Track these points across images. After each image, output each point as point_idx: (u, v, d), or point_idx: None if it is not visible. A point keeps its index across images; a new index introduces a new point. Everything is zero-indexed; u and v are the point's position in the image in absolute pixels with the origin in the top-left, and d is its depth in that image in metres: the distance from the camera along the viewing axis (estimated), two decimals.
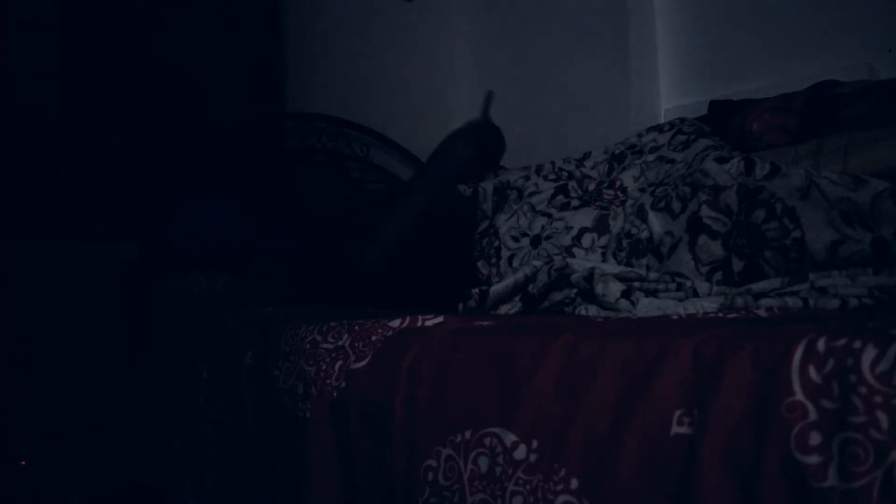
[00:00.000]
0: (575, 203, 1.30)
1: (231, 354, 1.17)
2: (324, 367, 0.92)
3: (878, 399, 0.45)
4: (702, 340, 0.58)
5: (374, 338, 0.89)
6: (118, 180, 1.96)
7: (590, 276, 0.99)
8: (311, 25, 2.46)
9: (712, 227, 1.01)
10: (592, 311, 0.97)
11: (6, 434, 1.57)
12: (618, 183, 1.32)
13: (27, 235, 1.77)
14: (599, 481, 0.58)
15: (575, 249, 1.20)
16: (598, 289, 0.96)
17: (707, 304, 0.90)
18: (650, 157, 1.37)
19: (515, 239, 1.29)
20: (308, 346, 0.97)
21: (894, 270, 0.90)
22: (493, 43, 2.71)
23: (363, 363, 0.87)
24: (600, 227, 1.22)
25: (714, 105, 1.90)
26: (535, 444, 0.64)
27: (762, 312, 0.85)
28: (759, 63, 2.03)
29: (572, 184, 1.36)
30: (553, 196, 1.33)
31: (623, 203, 1.24)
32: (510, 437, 0.66)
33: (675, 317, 0.86)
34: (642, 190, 1.27)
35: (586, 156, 1.50)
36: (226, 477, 1.17)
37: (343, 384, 0.88)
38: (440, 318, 0.90)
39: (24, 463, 1.61)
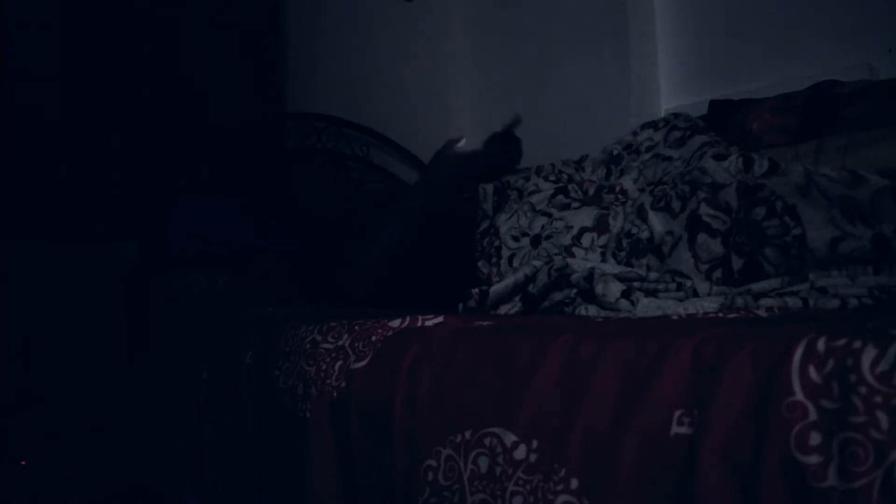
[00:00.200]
0: (575, 204, 1.30)
1: (231, 354, 1.17)
2: (324, 367, 0.92)
3: (878, 399, 0.45)
4: (702, 340, 0.58)
5: (374, 338, 0.89)
6: (118, 180, 1.96)
7: (590, 276, 0.99)
8: (311, 25, 2.46)
9: (712, 225, 1.01)
10: (592, 311, 0.97)
11: (6, 434, 1.57)
12: (618, 187, 1.32)
13: (27, 235, 1.77)
14: (599, 481, 0.58)
15: (574, 249, 1.20)
16: (598, 289, 0.96)
17: (707, 304, 0.90)
18: (647, 156, 1.37)
19: (516, 238, 1.29)
20: (308, 346, 0.97)
21: (894, 270, 0.90)
22: (493, 43, 2.71)
23: (363, 363, 0.87)
24: (600, 226, 1.21)
25: (714, 105, 1.90)
26: (535, 444, 0.64)
27: (762, 312, 0.85)
28: (759, 63, 2.03)
29: (572, 185, 1.36)
30: (553, 196, 1.33)
31: (623, 204, 1.24)
32: (510, 437, 0.66)
33: (675, 317, 0.86)
34: (642, 190, 1.27)
35: (583, 158, 1.50)
36: (226, 477, 1.17)
37: (343, 384, 0.88)
38: (440, 318, 0.90)
39: (24, 463, 1.60)
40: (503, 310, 1.07)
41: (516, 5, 2.62)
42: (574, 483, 0.60)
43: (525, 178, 1.44)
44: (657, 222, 1.09)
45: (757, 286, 0.92)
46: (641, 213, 1.14)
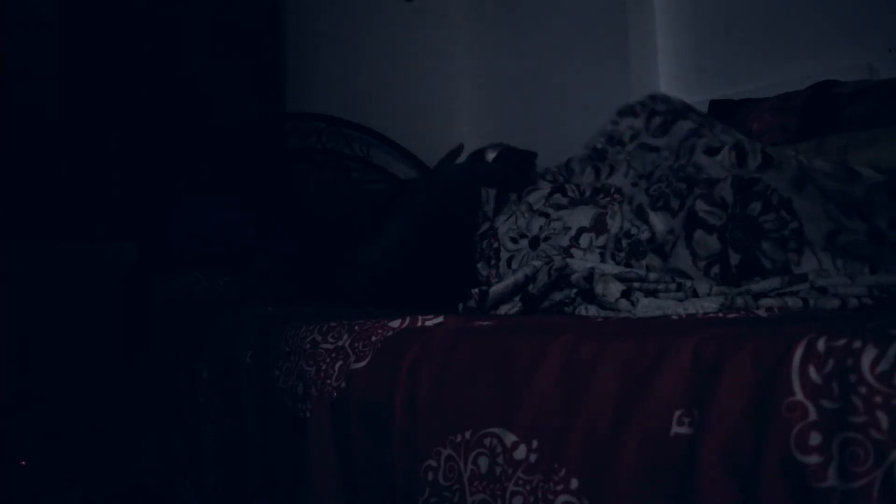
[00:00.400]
0: (572, 203, 1.29)
1: (231, 354, 1.17)
2: (324, 367, 0.92)
3: (878, 399, 0.45)
4: (702, 340, 0.58)
5: (374, 338, 0.89)
6: (118, 180, 1.96)
7: (590, 277, 0.99)
8: (311, 25, 2.46)
9: (708, 221, 1.01)
10: (592, 311, 0.97)
11: (6, 434, 1.57)
12: (612, 188, 1.31)
13: (27, 235, 1.76)
14: (599, 481, 0.58)
15: (573, 250, 1.20)
16: (598, 289, 0.96)
17: (707, 304, 0.90)
18: (631, 146, 1.36)
19: (514, 240, 1.28)
20: (308, 346, 0.97)
21: (891, 268, 0.90)
22: (493, 43, 2.71)
23: (363, 363, 0.87)
24: (598, 226, 1.21)
25: (714, 105, 1.90)
26: (535, 444, 0.64)
27: (762, 312, 0.85)
28: (759, 63, 2.03)
29: (570, 185, 1.35)
30: (550, 195, 1.32)
31: (620, 203, 1.24)
32: (510, 438, 0.66)
33: (675, 317, 0.86)
34: (635, 184, 1.26)
35: (570, 160, 1.48)
36: (226, 477, 1.17)
37: (343, 384, 0.88)
38: (440, 319, 0.90)
39: (24, 463, 1.60)
40: (503, 310, 1.07)
41: (516, 5, 2.62)
42: (574, 483, 0.60)
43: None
44: (658, 222, 1.09)
45: (757, 286, 0.92)
46: (641, 214, 1.14)
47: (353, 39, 2.55)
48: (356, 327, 0.94)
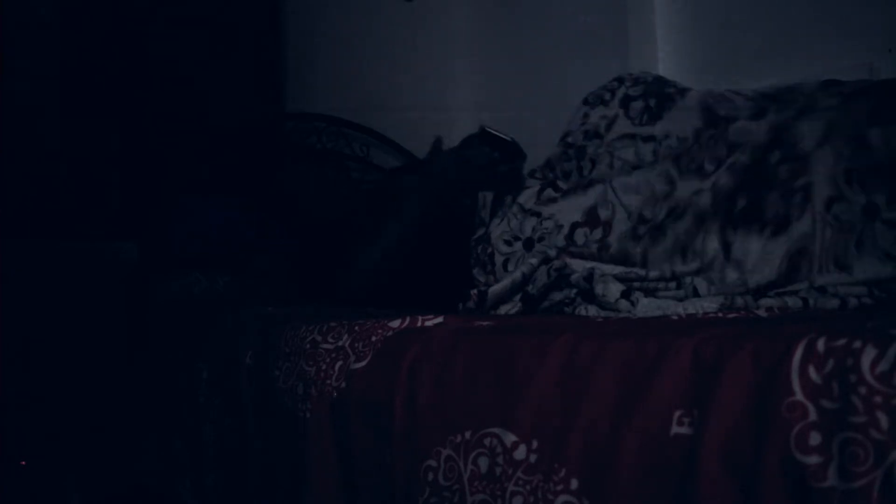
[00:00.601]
0: (559, 195, 1.25)
1: (231, 354, 1.17)
2: (324, 367, 0.92)
3: (878, 399, 0.45)
4: (702, 340, 0.58)
5: (373, 338, 0.89)
6: (118, 180, 1.96)
7: (589, 277, 0.99)
8: (311, 25, 2.46)
9: (735, 165, 1.01)
10: (592, 311, 0.97)
11: (6, 434, 1.57)
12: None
13: (27, 235, 1.77)
14: (599, 481, 0.58)
15: (572, 249, 1.17)
16: (598, 289, 0.96)
17: (707, 304, 0.90)
18: (612, 137, 1.31)
19: (508, 243, 1.25)
20: (308, 346, 0.97)
21: (875, 246, 0.90)
22: (492, 43, 2.71)
23: (363, 363, 0.87)
24: (591, 220, 1.17)
25: None
26: (535, 444, 0.64)
27: (762, 312, 0.85)
28: (759, 63, 2.03)
29: (560, 182, 1.32)
30: (540, 191, 1.29)
31: (615, 192, 1.20)
32: (510, 438, 0.66)
33: (675, 317, 0.86)
34: (628, 173, 1.23)
35: (547, 162, 1.43)
36: (226, 477, 1.17)
37: (343, 384, 0.88)
38: (440, 319, 0.90)
39: (24, 463, 1.60)
40: (503, 310, 1.06)
41: (516, 5, 2.62)
42: (574, 483, 0.60)
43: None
44: (686, 186, 1.06)
45: (755, 279, 0.92)
46: (665, 187, 1.10)
47: (353, 39, 2.55)
48: (356, 327, 0.94)
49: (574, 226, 1.18)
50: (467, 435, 0.69)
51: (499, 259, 1.24)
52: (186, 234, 1.87)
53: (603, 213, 1.16)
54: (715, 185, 1.03)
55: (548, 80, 2.48)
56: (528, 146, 1.71)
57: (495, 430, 0.67)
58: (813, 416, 0.48)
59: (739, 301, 0.90)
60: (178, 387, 1.36)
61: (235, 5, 2.26)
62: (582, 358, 0.65)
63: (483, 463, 0.67)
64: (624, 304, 0.93)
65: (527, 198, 1.29)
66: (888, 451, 0.43)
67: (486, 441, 0.67)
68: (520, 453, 0.64)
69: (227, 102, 2.18)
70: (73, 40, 1.92)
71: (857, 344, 0.47)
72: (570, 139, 1.39)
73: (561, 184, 1.29)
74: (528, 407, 0.66)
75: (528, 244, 1.23)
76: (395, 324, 0.90)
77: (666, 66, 2.28)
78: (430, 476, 0.71)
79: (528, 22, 2.57)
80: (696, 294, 0.96)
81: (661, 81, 1.36)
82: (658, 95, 1.31)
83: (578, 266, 1.03)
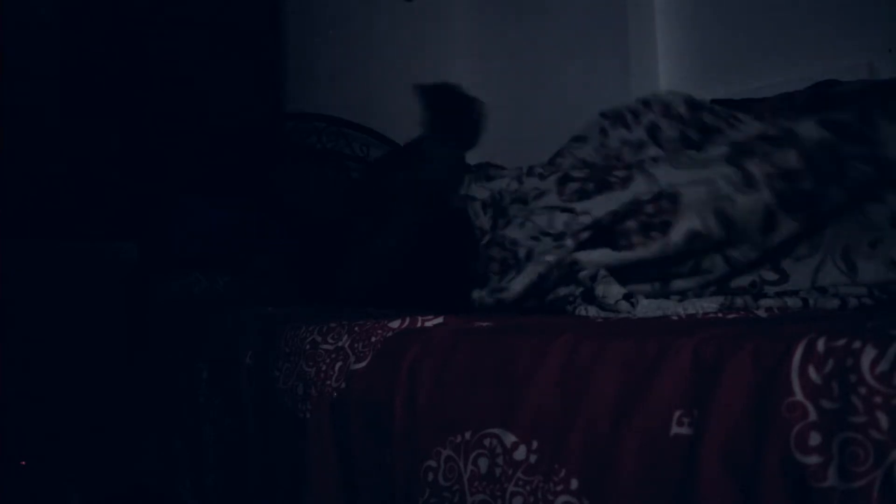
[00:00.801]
0: (590, 186, 1.16)
1: (231, 354, 1.17)
2: (324, 367, 0.92)
3: (878, 399, 0.45)
4: (702, 340, 0.58)
5: (373, 339, 0.89)
6: (118, 180, 1.96)
7: (594, 276, 0.99)
8: (311, 25, 2.46)
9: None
10: (592, 311, 0.97)
11: (6, 434, 1.57)
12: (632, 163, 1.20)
13: (27, 235, 1.77)
14: (599, 482, 0.58)
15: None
16: (599, 290, 0.96)
17: (707, 304, 0.90)
18: (652, 152, 1.27)
19: (536, 238, 1.16)
20: (308, 346, 0.97)
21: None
22: (493, 43, 2.71)
23: (363, 364, 0.87)
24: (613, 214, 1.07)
25: (715, 104, 1.90)
26: (535, 444, 0.64)
27: (762, 312, 0.85)
28: (759, 63, 2.03)
29: (576, 171, 1.23)
30: (562, 182, 1.20)
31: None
32: (510, 438, 0.66)
33: (675, 317, 0.86)
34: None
35: (557, 155, 1.39)
36: (226, 477, 1.17)
37: (343, 385, 0.88)
38: (440, 319, 0.90)
39: (24, 463, 1.60)
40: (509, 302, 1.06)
41: (516, 5, 2.62)
42: (574, 483, 0.60)
43: (517, 180, 1.33)
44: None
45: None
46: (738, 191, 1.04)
47: (353, 39, 2.55)
48: (356, 328, 0.94)
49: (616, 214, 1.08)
50: (467, 435, 0.69)
51: (522, 252, 1.16)
52: (186, 234, 1.87)
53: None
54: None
55: (548, 80, 2.48)
56: (527, 145, 1.71)
57: (495, 430, 0.67)
58: (813, 416, 0.48)
59: (739, 301, 0.90)
60: (178, 387, 1.36)
61: (235, 5, 2.26)
62: (582, 358, 0.65)
63: (483, 463, 0.67)
64: (624, 304, 0.93)
65: (548, 186, 1.22)
66: (888, 451, 0.43)
67: (486, 441, 0.67)
68: (520, 454, 0.64)
69: (227, 102, 2.18)
70: (73, 40, 1.92)
71: (857, 344, 0.47)
72: (584, 155, 1.32)
73: (576, 173, 1.23)
74: (528, 407, 0.66)
75: (560, 239, 1.15)
76: (395, 324, 0.90)
77: (666, 66, 2.29)
78: (430, 476, 0.71)
79: (527, 22, 2.57)
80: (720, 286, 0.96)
81: (694, 105, 1.30)
82: (699, 127, 1.25)
83: (587, 261, 1.02)
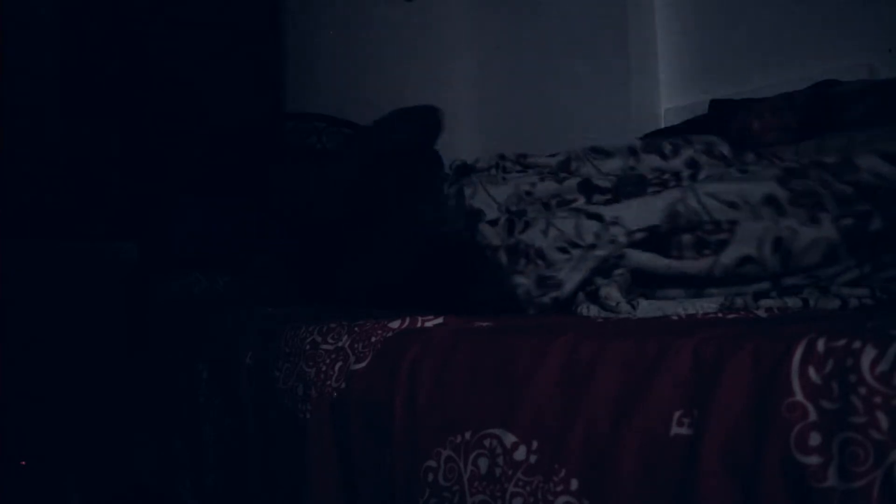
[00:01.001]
0: (620, 191, 1.11)
1: (231, 355, 1.17)
2: (324, 368, 0.92)
3: (878, 399, 0.45)
4: (702, 340, 0.58)
5: (373, 339, 0.89)
6: (118, 180, 1.96)
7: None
8: (311, 25, 2.46)
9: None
10: (594, 310, 0.96)
11: (6, 434, 1.57)
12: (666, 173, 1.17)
13: (27, 235, 1.77)
14: (599, 482, 0.58)
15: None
16: (602, 291, 0.96)
17: (707, 305, 0.90)
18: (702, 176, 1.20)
19: (564, 251, 1.09)
20: (308, 346, 0.97)
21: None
22: (492, 43, 2.71)
23: (363, 364, 0.87)
24: (673, 223, 1.02)
25: (715, 104, 1.90)
26: (535, 444, 0.64)
27: (762, 313, 0.85)
28: (759, 63, 2.03)
29: (600, 181, 1.19)
30: (584, 188, 1.16)
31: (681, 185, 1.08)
32: (510, 438, 0.66)
33: (675, 317, 0.86)
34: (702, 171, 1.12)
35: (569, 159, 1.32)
36: (226, 477, 1.17)
37: (343, 385, 0.88)
38: (440, 319, 0.90)
39: (24, 463, 1.61)
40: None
41: (516, 5, 2.62)
42: (574, 484, 0.60)
43: (535, 179, 1.25)
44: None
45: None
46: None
47: (353, 39, 2.55)
48: (356, 328, 0.94)
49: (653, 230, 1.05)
50: (467, 435, 0.69)
51: (559, 257, 1.09)
52: (186, 234, 1.87)
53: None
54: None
55: (548, 80, 2.48)
56: (528, 146, 1.71)
57: (495, 430, 0.67)
58: (813, 416, 0.48)
59: (739, 301, 0.90)
60: (177, 387, 1.36)
61: (235, 5, 2.26)
62: (582, 358, 0.65)
63: (483, 463, 0.67)
64: (624, 306, 0.93)
65: (568, 189, 1.18)
66: (888, 452, 0.43)
67: (486, 442, 0.67)
68: (520, 454, 0.64)
69: (227, 102, 2.18)
70: (73, 40, 1.92)
71: (857, 344, 0.47)
72: (608, 169, 1.26)
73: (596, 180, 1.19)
74: (528, 407, 0.66)
75: (590, 248, 1.09)
76: (395, 324, 0.90)
77: (666, 66, 2.29)
78: (430, 477, 0.71)
79: (528, 22, 2.57)
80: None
81: (738, 149, 1.25)
82: (743, 170, 1.17)
83: (636, 260, 1.00)
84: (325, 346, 0.95)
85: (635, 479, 0.56)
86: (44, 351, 1.66)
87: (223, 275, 1.82)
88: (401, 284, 1.30)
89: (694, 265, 0.98)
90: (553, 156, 1.33)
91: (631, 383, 0.59)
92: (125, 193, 1.96)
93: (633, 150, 1.28)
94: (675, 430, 0.55)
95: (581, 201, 1.16)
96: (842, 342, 0.48)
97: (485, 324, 0.86)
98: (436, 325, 0.88)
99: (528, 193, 1.23)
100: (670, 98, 2.27)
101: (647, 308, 0.92)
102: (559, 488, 0.60)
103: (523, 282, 1.05)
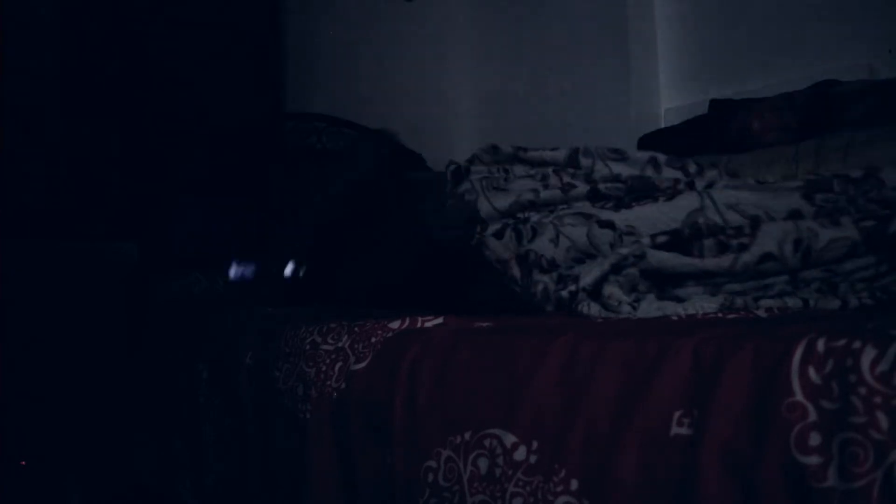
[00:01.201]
0: (628, 196, 1.09)
1: (231, 355, 1.17)
2: (324, 368, 0.92)
3: (878, 399, 0.45)
4: (702, 340, 0.58)
5: (373, 339, 0.89)
6: (118, 180, 1.96)
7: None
8: (311, 25, 2.46)
9: None
10: (595, 309, 0.96)
11: (6, 434, 1.57)
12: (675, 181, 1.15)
13: (27, 235, 1.77)
14: (599, 482, 0.58)
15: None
16: (605, 289, 0.95)
17: (707, 305, 0.90)
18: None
19: (579, 261, 1.07)
20: (308, 347, 0.97)
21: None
22: (493, 43, 2.71)
23: (363, 364, 0.87)
24: (693, 229, 1.00)
25: (715, 104, 1.90)
26: (535, 445, 0.64)
27: (762, 313, 0.85)
28: (759, 63, 2.03)
29: (605, 185, 1.16)
30: (593, 195, 1.13)
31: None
32: (510, 438, 0.66)
33: (675, 317, 0.86)
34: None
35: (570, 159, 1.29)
36: (226, 477, 1.17)
37: (343, 385, 0.88)
38: (440, 319, 0.90)
39: (24, 463, 1.61)
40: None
41: (516, 5, 2.62)
42: (574, 484, 0.60)
43: (539, 184, 1.22)
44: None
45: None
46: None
47: (353, 39, 2.55)
48: (356, 328, 0.94)
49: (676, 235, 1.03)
50: (467, 436, 0.69)
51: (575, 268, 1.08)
52: (186, 234, 1.87)
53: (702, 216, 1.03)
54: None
55: (548, 80, 2.48)
56: (528, 144, 1.71)
57: (495, 430, 0.67)
58: (813, 416, 0.48)
59: (739, 301, 0.90)
60: (177, 387, 1.36)
61: (235, 5, 2.26)
62: (582, 358, 0.65)
63: (483, 464, 0.67)
64: (626, 307, 0.93)
65: (578, 195, 1.16)
66: (888, 452, 0.43)
67: (486, 442, 0.67)
68: (520, 454, 0.64)
69: (227, 102, 2.19)
70: (73, 40, 1.93)
71: (857, 344, 0.47)
72: (620, 171, 1.23)
73: (604, 187, 1.17)
74: (527, 407, 0.66)
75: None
76: (395, 324, 0.90)
77: (666, 66, 2.28)
78: (430, 477, 0.71)
79: (528, 22, 2.57)
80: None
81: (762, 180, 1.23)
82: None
83: (658, 262, 0.99)
84: (325, 347, 0.95)
85: (635, 479, 0.56)
86: (44, 351, 1.66)
87: (223, 275, 1.82)
88: (401, 285, 1.30)
89: (715, 262, 0.98)
90: (555, 149, 1.30)
91: (631, 383, 0.59)
92: (125, 193, 1.96)
93: (655, 160, 1.24)
94: (675, 430, 0.55)
95: (588, 205, 1.14)
96: (842, 342, 0.48)
97: (485, 324, 0.86)
98: (436, 326, 0.88)
99: (532, 203, 1.19)
100: (670, 98, 2.27)
101: (647, 308, 0.92)
102: (559, 488, 0.60)
103: (543, 279, 1.03)
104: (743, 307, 0.89)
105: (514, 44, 2.62)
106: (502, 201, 1.20)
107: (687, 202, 1.04)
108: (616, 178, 1.18)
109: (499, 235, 1.15)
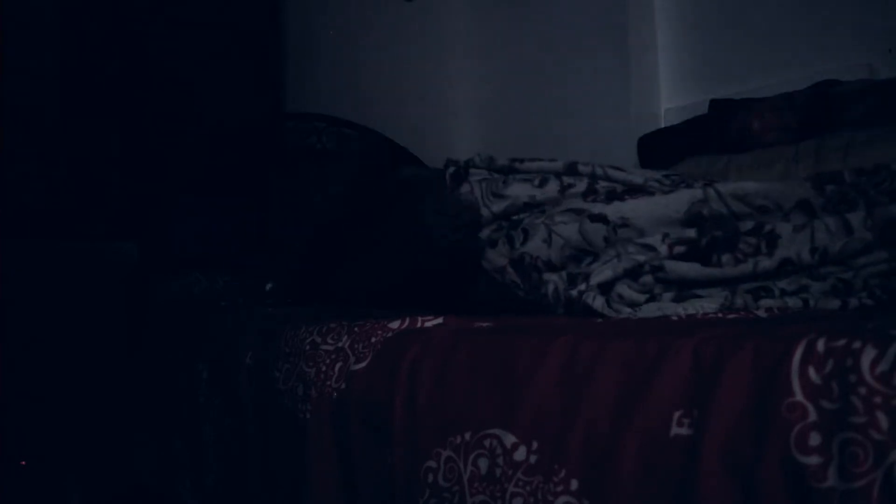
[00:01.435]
0: (620, 189, 1.07)
1: (231, 355, 1.17)
2: (324, 368, 0.92)
3: (878, 399, 0.45)
4: (702, 341, 0.58)
5: (373, 339, 0.89)
6: (118, 180, 1.96)
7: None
8: (311, 25, 2.46)
9: None
10: (598, 303, 0.94)
11: (6, 434, 1.57)
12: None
13: (27, 235, 1.77)
14: (599, 482, 0.58)
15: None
16: (617, 288, 0.95)
17: (707, 305, 0.90)
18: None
19: (577, 259, 1.04)
20: (308, 347, 0.97)
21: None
22: (493, 43, 2.71)
23: (363, 364, 0.87)
24: (696, 220, 0.97)
25: (715, 104, 1.90)
26: (535, 445, 0.64)
27: (762, 313, 0.85)
28: (759, 63, 2.03)
29: (603, 183, 1.14)
30: (589, 193, 1.11)
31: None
32: (510, 439, 0.66)
33: (675, 317, 0.86)
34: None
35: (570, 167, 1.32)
36: (226, 477, 1.17)
37: (343, 385, 0.88)
38: (440, 319, 0.90)
39: (24, 463, 1.61)
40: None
41: (516, 5, 2.62)
42: (574, 484, 0.60)
43: (537, 188, 1.19)
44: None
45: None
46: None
47: (353, 39, 2.55)
48: (356, 328, 0.94)
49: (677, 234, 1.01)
50: (467, 436, 0.69)
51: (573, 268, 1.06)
52: (186, 234, 1.87)
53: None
54: None
55: (548, 80, 2.48)
56: (527, 145, 1.71)
57: (495, 430, 0.67)
58: (813, 416, 0.47)
59: (739, 301, 0.90)
60: (177, 387, 1.36)
61: (235, 5, 2.26)
62: (582, 358, 0.65)
63: (483, 464, 0.67)
64: (626, 309, 0.93)
65: (576, 193, 1.14)
66: (888, 452, 0.43)
67: (486, 442, 0.67)
68: (520, 454, 0.64)
69: (227, 102, 2.19)
70: (73, 40, 1.93)
71: (857, 344, 0.47)
72: (622, 178, 1.19)
73: (601, 186, 1.15)
74: (528, 408, 0.66)
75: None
76: (395, 325, 0.90)
77: (666, 66, 2.28)
78: (430, 477, 0.71)
79: (527, 22, 2.57)
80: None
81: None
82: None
83: (673, 273, 0.96)
84: (325, 347, 0.95)
85: (635, 479, 0.56)
86: (44, 351, 1.66)
87: (223, 275, 1.82)
88: (401, 285, 1.30)
89: (734, 270, 0.96)
90: (553, 161, 1.29)
91: (631, 383, 0.59)
92: (125, 193, 1.96)
93: (665, 179, 1.20)
94: (675, 430, 0.55)
95: (580, 200, 1.12)
96: (842, 342, 0.48)
97: (485, 324, 0.86)
98: (436, 326, 0.88)
99: (528, 205, 1.17)
100: (670, 98, 2.27)
101: (647, 308, 0.92)
102: (559, 488, 0.60)
103: (553, 278, 1.02)
104: (743, 307, 0.89)
105: (514, 44, 2.62)
106: (499, 205, 1.19)
107: (689, 194, 1.01)
108: (614, 180, 1.17)
109: (492, 243, 1.13)
